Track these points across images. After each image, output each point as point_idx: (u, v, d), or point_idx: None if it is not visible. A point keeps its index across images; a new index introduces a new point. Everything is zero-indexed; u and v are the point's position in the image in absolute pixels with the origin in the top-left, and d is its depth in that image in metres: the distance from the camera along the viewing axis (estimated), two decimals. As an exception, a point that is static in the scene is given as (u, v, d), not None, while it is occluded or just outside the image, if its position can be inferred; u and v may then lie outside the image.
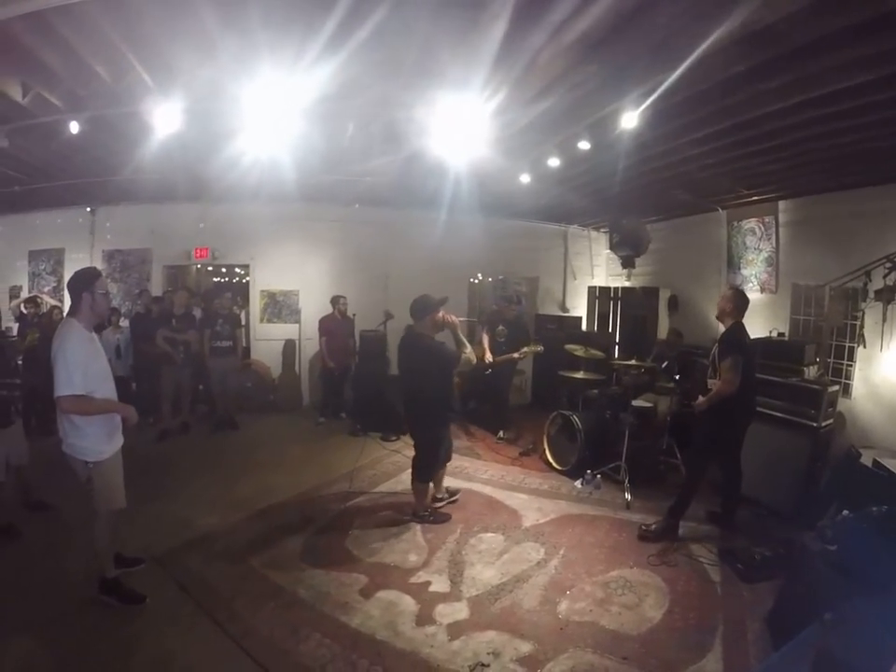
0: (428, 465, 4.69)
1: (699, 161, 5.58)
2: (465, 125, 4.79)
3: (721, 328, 4.54)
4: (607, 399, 6.04)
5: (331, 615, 3.39)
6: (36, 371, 7.27)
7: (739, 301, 4.32)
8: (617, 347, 8.58)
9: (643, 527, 4.34)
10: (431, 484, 4.84)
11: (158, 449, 6.61)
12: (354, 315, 8.16)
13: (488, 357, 6.89)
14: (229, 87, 4.37)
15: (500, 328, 6.99)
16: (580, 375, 6.05)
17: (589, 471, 5.36)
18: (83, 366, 3.19)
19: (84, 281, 3.40)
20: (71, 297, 3.44)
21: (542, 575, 3.78)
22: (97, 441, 3.36)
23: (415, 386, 4.54)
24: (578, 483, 5.33)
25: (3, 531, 4.17)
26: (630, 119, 4.35)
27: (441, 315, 4.52)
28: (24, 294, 9.61)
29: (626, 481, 5.12)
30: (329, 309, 8.11)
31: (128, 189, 7.90)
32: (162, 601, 3.53)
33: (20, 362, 7.62)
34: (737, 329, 4.24)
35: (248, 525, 4.60)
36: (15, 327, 8.00)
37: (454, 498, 5.04)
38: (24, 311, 7.87)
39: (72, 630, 3.21)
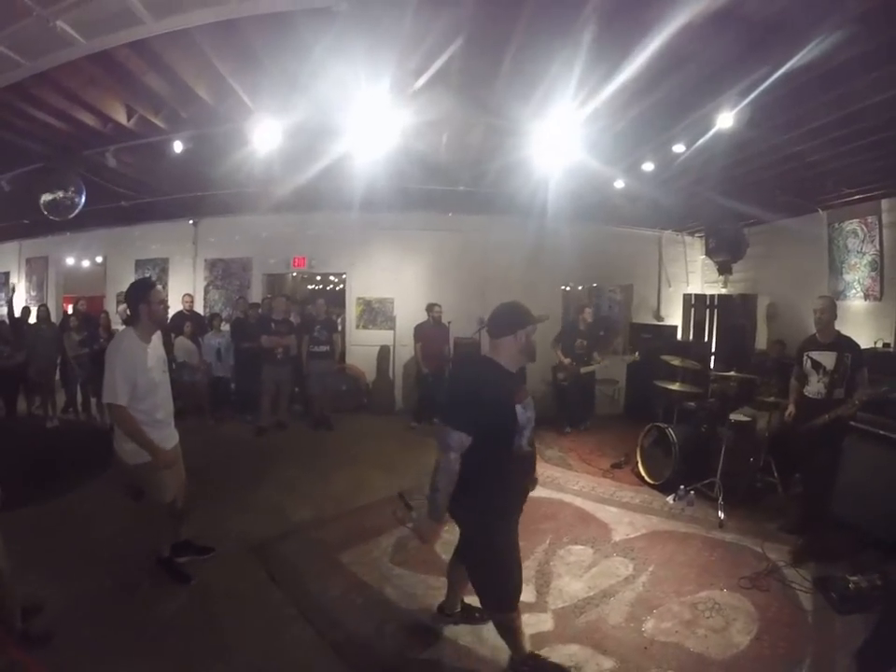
0: (495, 587, 2.86)
1: (799, 160, 5.41)
2: (559, 131, 4.86)
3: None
4: (704, 411, 5.89)
5: (417, 617, 3.51)
6: None
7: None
8: (713, 358, 8.30)
9: None
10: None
11: (256, 444, 7.08)
12: (449, 322, 8.41)
13: (565, 361, 7.28)
14: (328, 106, 4.64)
15: (579, 341, 7.07)
16: (676, 387, 5.93)
17: (682, 487, 5.25)
18: (130, 377, 3.35)
19: (140, 291, 3.57)
20: (129, 307, 3.63)
21: (630, 591, 3.76)
22: (156, 433, 3.49)
23: None
24: (670, 499, 5.25)
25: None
26: (726, 119, 4.30)
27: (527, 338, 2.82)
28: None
29: (720, 498, 4.98)
30: (423, 316, 8.38)
31: (228, 201, 8.45)
32: (252, 588, 3.80)
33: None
34: None
35: (341, 521, 4.83)
36: (121, 328, 8.68)
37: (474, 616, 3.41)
38: None
39: (159, 609, 3.51)
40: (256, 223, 9.90)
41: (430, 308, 8.33)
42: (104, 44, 3.68)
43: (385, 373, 9.68)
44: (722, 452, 5.14)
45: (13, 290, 9.07)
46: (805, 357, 4.54)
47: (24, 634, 3.06)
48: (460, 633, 3.33)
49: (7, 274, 12.68)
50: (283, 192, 7.50)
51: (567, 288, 10.07)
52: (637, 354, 6.82)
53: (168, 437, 3.65)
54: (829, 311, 4.42)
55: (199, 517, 4.37)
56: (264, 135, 5.06)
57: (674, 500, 5.23)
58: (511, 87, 4.35)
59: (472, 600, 3.27)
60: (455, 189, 7.59)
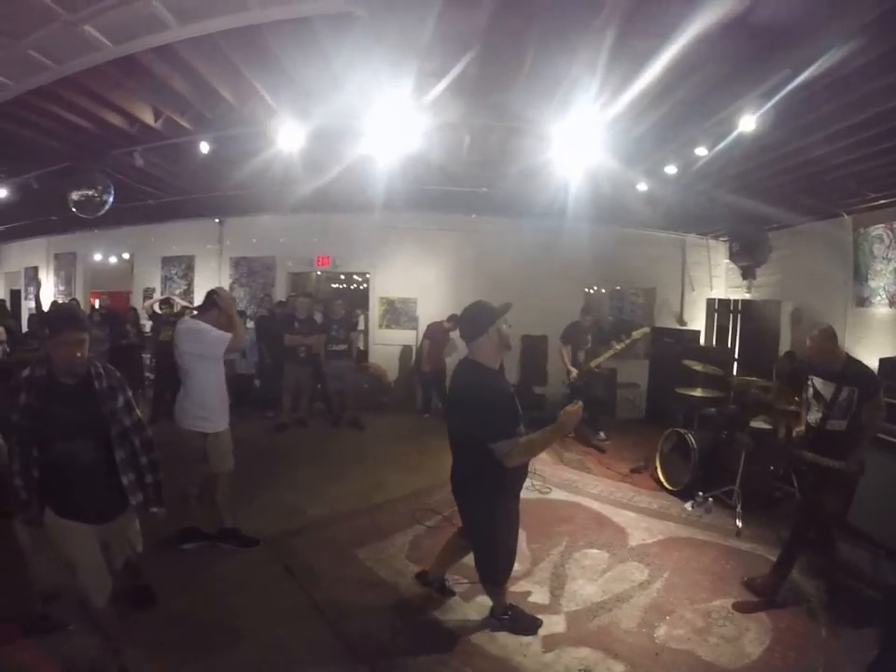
0: (491, 560, 3.34)
1: (822, 163, 5.35)
2: (580, 133, 4.87)
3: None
4: (724, 418, 5.83)
5: (431, 614, 3.58)
6: (168, 364, 8.22)
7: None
8: (736, 363, 8.21)
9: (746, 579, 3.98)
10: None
11: (276, 440, 7.20)
12: None
13: (573, 373, 7.06)
14: (350, 108, 4.69)
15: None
16: (697, 393, 5.92)
17: (700, 493, 5.25)
18: (216, 333, 4.10)
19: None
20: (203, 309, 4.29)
21: (644, 597, 3.78)
22: (220, 416, 4.24)
23: (455, 440, 3.28)
24: (688, 505, 5.25)
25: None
26: (748, 122, 4.27)
27: (506, 329, 3.18)
28: (157, 296, 10.71)
29: (739, 506, 4.95)
30: (444, 316, 8.58)
31: (253, 201, 8.60)
32: (268, 578, 3.94)
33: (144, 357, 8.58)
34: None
35: (357, 518, 4.93)
36: (148, 324, 8.95)
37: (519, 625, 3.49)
38: (159, 311, 8.71)
39: (174, 598, 3.61)
40: (280, 222, 10.08)
41: (449, 318, 8.48)
42: (130, 48, 3.79)
43: (407, 373, 9.84)
44: (742, 459, 5.11)
45: (40, 285, 9.29)
46: (809, 381, 4.09)
47: (45, 616, 3.21)
48: (473, 632, 3.40)
49: (35, 269, 13.06)
50: (306, 192, 7.60)
51: (591, 291, 10.04)
52: (645, 328, 6.71)
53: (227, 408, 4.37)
54: (823, 344, 3.93)
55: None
56: (287, 136, 5.14)
57: (692, 507, 5.22)
58: (531, 89, 4.36)
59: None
60: (477, 190, 7.63)
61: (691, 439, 5.45)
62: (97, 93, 4.66)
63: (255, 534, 4.45)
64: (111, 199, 6.07)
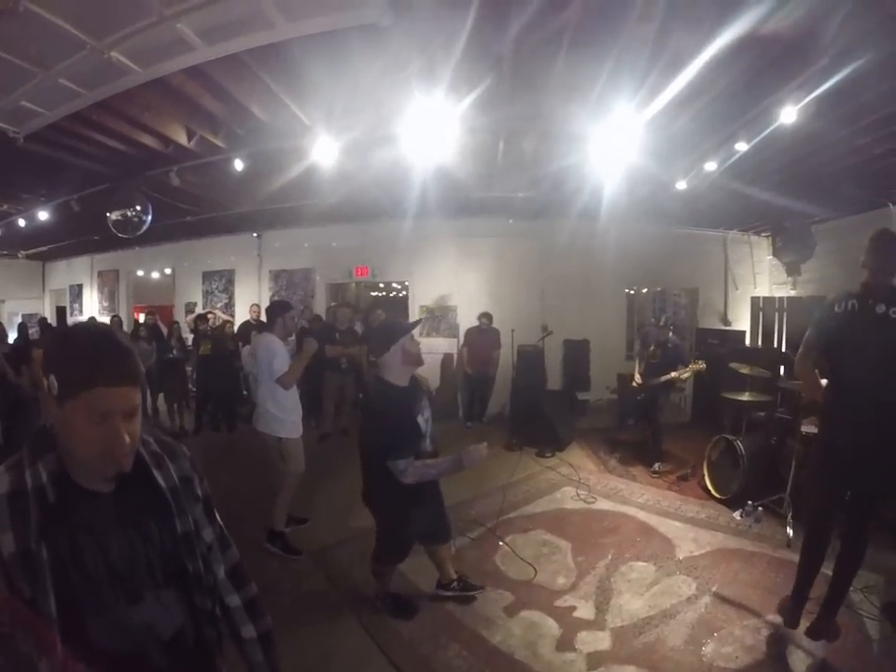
0: (388, 541, 3.61)
1: (865, 153, 5.23)
2: (617, 133, 4.84)
3: None
4: (773, 423, 5.68)
5: (473, 628, 3.59)
6: (209, 377, 8.46)
7: None
8: (783, 365, 7.86)
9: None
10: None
11: (319, 450, 7.27)
12: (513, 331, 8.53)
13: (637, 379, 6.82)
14: (383, 117, 4.78)
15: (652, 348, 6.81)
16: (744, 398, 5.74)
17: (750, 502, 5.07)
18: (283, 360, 4.55)
19: (280, 309, 4.77)
20: (268, 318, 4.84)
21: (691, 612, 3.70)
22: (292, 424, 4.66)
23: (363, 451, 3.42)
24: (737, 515, 5.09)
25: None
26: (789, 114, 4.21)
27: (412, 346, 3.35)
28: (198, 310, 10.99)
29: (789, 515, 4.77)
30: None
31: (290, 214, 8.78)
32: (311, 589, 4.07)
33: (189, 370, 8.80)
34: None
35: (400, 530, 4.98)
36: (190, 337, 9.21)
37: (467, 594, 3.92)
38: (199, 325, 8.97)
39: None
40: (317, 234, 10.31)
41: (479, 317, 8.75)
42: (158, 71, 3.90)
43: (448, 381, 9.87)
44: (793, 466, 4.92)
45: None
46: None
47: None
48: (515, 647, 3.39)
49: (80, 286, 13.53)
50: (342, 203, 7.73)
51: (632, 292, 9.89)
52: (702, 363, 6.49)
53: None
54: None
55: (261, 518, 4.73)
56: (321, 150, 5.23)
57: (740, 516, 5.07)
58: (565, 91, 4.36)
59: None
60: (514, 195, 7.63)
61: (739, 445, 5.29)
62: (130, 116, 4.84)
63: (299, 541, 4.67)
64: (149, 218, 6.25)
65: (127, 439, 1.20)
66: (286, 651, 3.19)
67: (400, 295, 11.10)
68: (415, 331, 3.48)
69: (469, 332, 9.05)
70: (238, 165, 5.60)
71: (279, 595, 3.92)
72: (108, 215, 6.14)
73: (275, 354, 4.54)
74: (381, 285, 12.96)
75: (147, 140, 5.31)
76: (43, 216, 7.98)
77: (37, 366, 3.36)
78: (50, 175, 6.20)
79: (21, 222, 8.70)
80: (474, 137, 5.23)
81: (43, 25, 3.25)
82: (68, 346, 1.23)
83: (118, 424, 1.18)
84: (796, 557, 4.18)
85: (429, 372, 9.47)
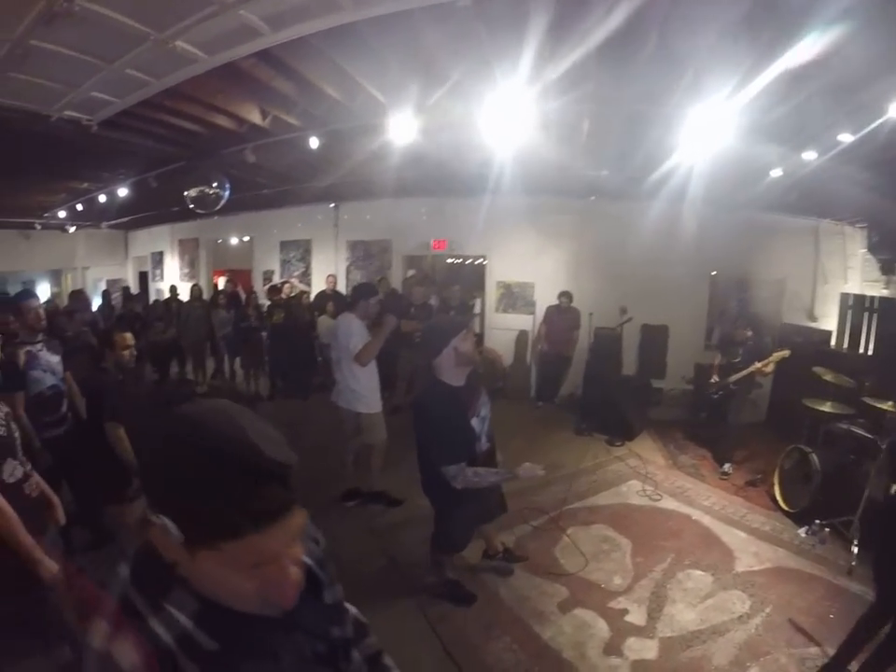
0: (447, 532, 3.69)
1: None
2: (711, 117, 4.56)
3: None
4: (853, 438, 5.21)
5: (526, 622, 3.67)
6: (280, 345, 8.79)
7: None
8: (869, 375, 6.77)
9: None
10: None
11: (390, 423, 7.34)
12: (591, 314, 8.34)
13: (714, 377, 6.56)
14: (462, 96, 4.69)
15: (731, 346, 6.57)
16: (825, 408, 5.33)
17: (817, 521, 4.82)
18: (360, 339, 4.82)
19: (365, 292, 5.13)
20: (352, 299, 5.30)
21: (741, 632, 3.60)
22: (371, 400, 5.04)
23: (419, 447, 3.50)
24: (801, 531, 4.86)
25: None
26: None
27: (464, 345, 3.26)
28: (276, 279, 11.30)
29: (856, 540, 4.43)
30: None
31: (368, 186, 8.79)
32: (374, 570, 4.21)
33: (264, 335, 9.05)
34: None
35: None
36: (267, 304, 9.47)
37: (510, 564, 4.28)
38: (272, 296, 9.25)
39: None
40: (395, 206, 10.24)
41: (559, 296, 8.70)
42: (225, 57, 3.96)
43: (522, 359, 9.83)
44: (868, 489, 4.53)
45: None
46: None
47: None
48: (564, 646, 3.45)
49: (161, 254, 14.20)
50: (420, 178, 7.77)
51: (714, 274, 9.40)
52: (786, 351, 6.05)
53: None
54: None
55: (328, 496, 5.12)
56: (398, 128, 5.19)
57: (805, 534, 4.83)
58: (657, 70, 4.13)
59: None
60: (598, 174, 7.43)
61: (814, 459, 4.98)
62: (202, 100, 4.97)
63: (366, 521, 5.02)
64: (227, 194, 6.42)
65: (296, 575, 0.90)
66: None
67: (476, 263, 10.98)
68: (466, 330, 3.40)
69: (549, 310, 8.96)
70: (313, 143, 5.65)
71: (344, 570, 4.05)
72: (186, 193, 6.33)
73: (353, 334, 4.84)
74: (458, 259, 12.86)
75: (221, 121, 5.45)
76: (122, 192, 8.38)
77: (120, 350, 3.53)
78: (127, 156, 6.50)
79: (102, 198, 9.16)
80: (557, 115, 5.04)
81: (102, 22, 3.34)
82: (184, 471, 0.82)
83: (284, 565, 0.87)
84: (855, 587, 4.07)
85: (503, 349, 9.46)
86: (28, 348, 3.94)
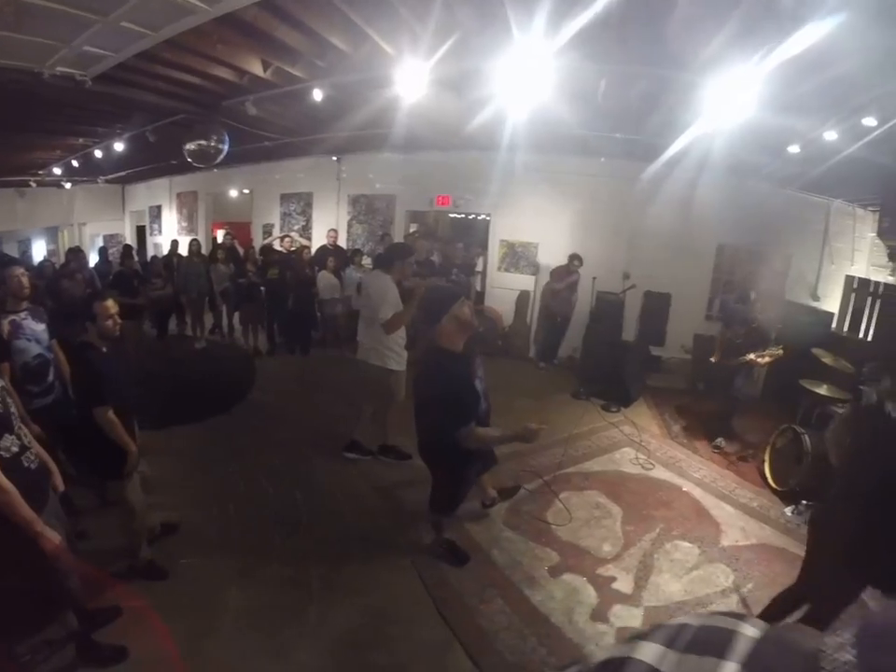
0: (446, 493, 3.89)
1: None
2: (734, 85, 4.50)
3: None
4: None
5: (517, 585, 3.79)
6: (276, 301, 8.95)
7: None
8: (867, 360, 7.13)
9: None
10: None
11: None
12: (594, 278, 8.51)
13: (715, 356, 6.58)
14: (475, 50, 4.64)
15: (736, 327, 6.49)
16: (822, 390, 5.45)
17: (804, 502, 4.90)
18: (392, 306, 4.80)
19: (403, 252, 5.25)
20: (386, 258, 5.20)
21: (723, 606, 3.72)
22: (400, 357, 5.14)
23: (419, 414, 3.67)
24: (788, 510, 4.96)
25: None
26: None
27: (463, 313, 3.45)
28: (276, 232, 11.23)
29: None
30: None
31: (372, 139, 8.67)
32: (374, 527, 4.36)
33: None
34: None
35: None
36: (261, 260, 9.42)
37: (504, 500, 4.78)
38: (276, 249, 9.24)
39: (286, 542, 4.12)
40: (399, 160, 10.14)
41: (570, 258, 8.69)
42: (226, 7, 3.87)
43: (522, 318, 9.88)
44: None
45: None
46: None
47: (150, 564, 3.61)
48: (553, 611, 3.57)
49: (159, 207, 14.10)
50: (428, 131, 7.66)
51: (722, 245, 9.35)
52: (780, 349, 6.07)
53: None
54: None
55: (336, 447, 5.39)
56: (406, 82, 5.09)
57: (792, 513, 4.93)
58: (681, 34, 4.00)
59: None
60: (612, 135, 7.34)
61: (806, 440, 5.04)
62: (202, 51, 4.88)
63: (369, 479, 5.16)
64: (226, 148, 6.36)
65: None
66: (343, 580, 3.65)
67: (479, 218, 10.88)
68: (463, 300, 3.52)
69: (557, 271, 8.93)
70: (317, 95, 5.59)
71: (348, 528, 4.33)
72: (185, 146, 6.27)
73: (385, 299, 4.80)
74: (461, 216, 12.76)
75: (222, 72, 5.38)
76: (119, 147, 8.33)
77: (103, 320, 3.42)
78: (125, 111, 6.43)
79: (98, 153, 9.11)
80: (573, 75, 4.95)
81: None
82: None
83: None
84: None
85: (504, 308, 9.58)
86: (12, 317, 3.87)
